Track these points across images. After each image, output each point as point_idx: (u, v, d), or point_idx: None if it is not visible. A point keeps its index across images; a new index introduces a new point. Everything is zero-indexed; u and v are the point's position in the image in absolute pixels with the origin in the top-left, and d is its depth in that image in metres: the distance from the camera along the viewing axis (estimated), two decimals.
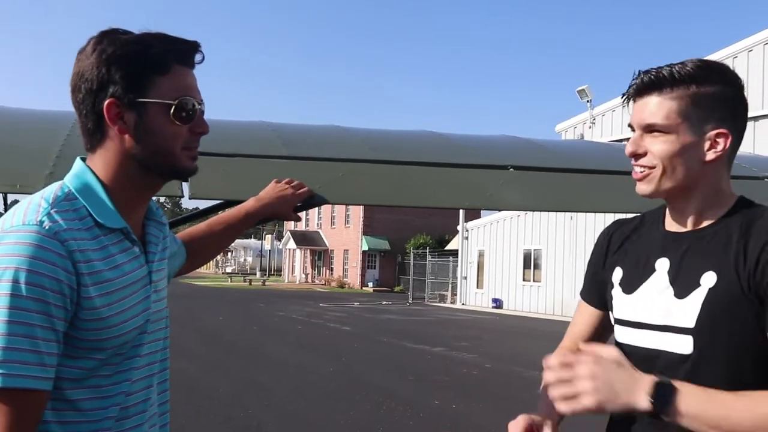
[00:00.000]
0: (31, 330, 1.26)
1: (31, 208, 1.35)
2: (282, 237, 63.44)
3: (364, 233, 50.35)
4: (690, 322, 1.52)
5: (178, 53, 1.44)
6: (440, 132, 3.20)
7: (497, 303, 31.28)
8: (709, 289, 1.51)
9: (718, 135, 1.55)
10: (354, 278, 51.23)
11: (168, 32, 1.45)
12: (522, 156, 2.83)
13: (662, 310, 1.58)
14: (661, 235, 1.68)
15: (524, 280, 30.15)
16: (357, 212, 50.44)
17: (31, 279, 1.26)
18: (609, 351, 1.47)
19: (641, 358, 1.56)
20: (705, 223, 1.61)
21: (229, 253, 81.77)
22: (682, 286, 1.56)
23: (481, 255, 33.41)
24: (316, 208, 40.08)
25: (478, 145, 3.04)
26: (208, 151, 2.25)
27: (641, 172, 1.60)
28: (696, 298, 1.52)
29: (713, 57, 20.22)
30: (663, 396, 1.38)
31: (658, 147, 1.56)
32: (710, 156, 1.55)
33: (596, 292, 1.84)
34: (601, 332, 1.86)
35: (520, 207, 2.66)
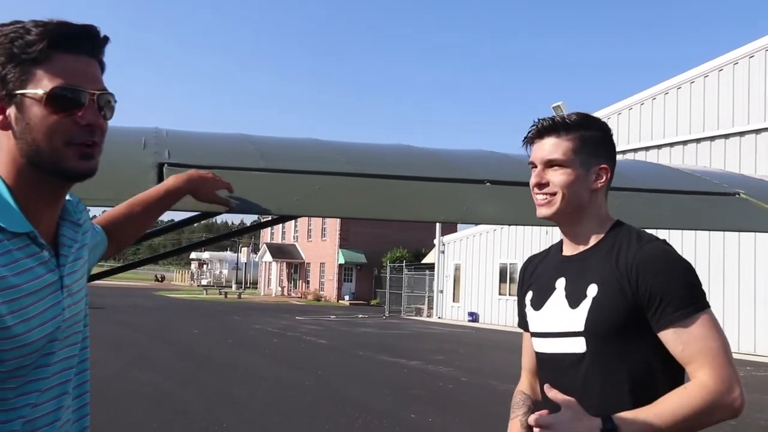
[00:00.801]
0: None
1: None
2: (258, 250, 63.08)
3: (341, 246, 50.23)
4: (580, 326, 1.86)
5: (61, 39, 1.32)
6: (417, 146, 3.22)
7: (473, 317, 31.32)
8: (593, 298, 1.85)
9: (601, 169, 1.95)
10: (330, 291, 51.04)
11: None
12: (498, 170, 2.87)
13: (560, 319, 1.92)
14: (559, 260, 2.04)
15: (500, 293, 30.25)
16: (333, 225, 50.31)
17: None
18: (569, 402, 1.73)
19: (550, 362, 1.95)
20: (591, 244, 1.96)
21: (205, 266, 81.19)
22: (574, 298, 1.90)
23: (457, 269, 33.48)
24: (293, 221, 39.95)
25: (454, 160, 3.07)
26: (185, 163, 2.26)
27: (544, 199, 1.94)
28: (584, 307, 1.86)
29: (713, 64, 20.73)
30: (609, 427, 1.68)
31: (559, 178, 1.91)
32: (596, 185, 1.94)
33: (523, 320, 2.15)
34: None
35: (496, 221, 2.71)
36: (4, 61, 1.31)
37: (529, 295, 2.09)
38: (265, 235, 62.18)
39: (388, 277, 38.10)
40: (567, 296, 1.93)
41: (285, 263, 57.78)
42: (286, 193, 2.30)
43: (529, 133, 1.99)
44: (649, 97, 22.16)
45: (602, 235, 1.95)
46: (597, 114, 23.93)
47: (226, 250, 77.82)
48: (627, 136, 22.38)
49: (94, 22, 1.39)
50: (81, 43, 1.36)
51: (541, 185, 1.93)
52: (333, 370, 14.12)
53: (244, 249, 71.17)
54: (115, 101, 1.42)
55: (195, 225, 2.27)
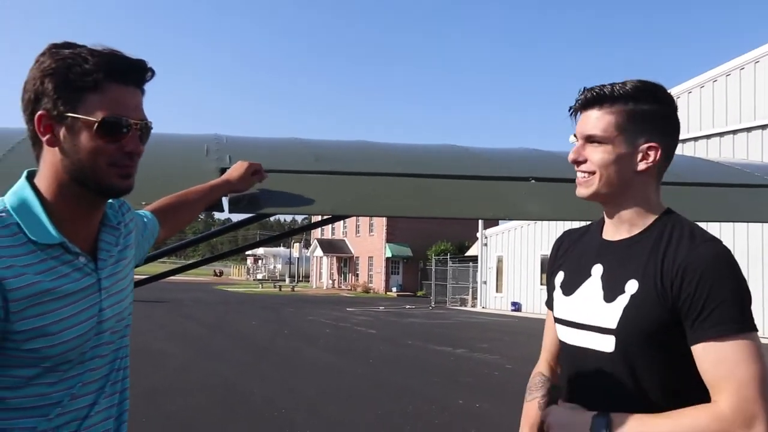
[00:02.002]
0: None
1: None
2: (309, 245, 63.53)
3: (388, 241, 50.30)
4: (613, 324, 1.62)
5: (114, 71, 1.39)
6: (463, 146, 3.19)
7: (516, 306, 31.08)
8: (632, 295, 1.61)
9: (649, 148, 1.66)
10: (378, 284, 51.16)
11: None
12: (542, 168, 2.82)
13: (592, 311, 1.69)
14: (598, 242, 1.78)
15: (542, 284, 29.90)
16: (380, 221, 50.41)
17: None
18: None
19: (575, 354, 1.73)
20: (635, 232, 1.70)
21: (260, 261, 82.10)
22: (610, 291, 1.66)
23: (500, 260, 33.24)
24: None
25: (499, 158, 3.03)
26: None
27: (582, 177, 1.71)
28: (620, 303, 1.62)
29: (720, 69, 20.24)
30: (598, 426, 1.53)
31: (597, 156, 1.67)
32: (641, 166, 1.66)
33: (551, 298, 1.93)
34: None
35: (542, 217, 2.66)
36: (59, 85, 1.37)
37: (560, 276, 1.85)
38: (316, 231, 62.59)
39: (433, 270, 38.04)
40: (603, 287, 1.68)
41: (335, 257, 58.11)
42: (340, 194, 2.31)
43: (575, 102, 1.73)
44: (684, 90, 21.64)
45: (649, 223, 1.68)
46: None
47: (280, 246, 78.54)
48: None
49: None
50: (131, 76, 1.43)
51: (578, 162, 1.71)
52: (384, 358, 14.15)
53: (297, 245, 71.79)
54: (152, 127, 1.49)
55: (249, 224, 2.31)
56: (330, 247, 57.25)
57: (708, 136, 20.85)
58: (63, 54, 1.38)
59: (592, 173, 1.68)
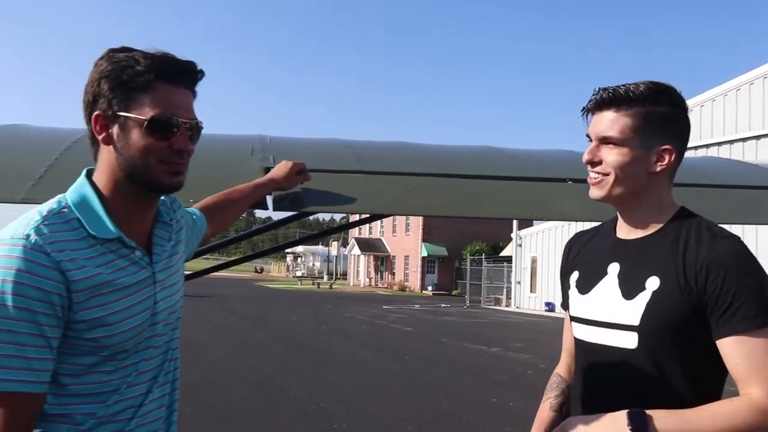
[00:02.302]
0: (17, 337, 1.28)
1: (23, 222, 1.36)
2: (347, 244, 63.75)
3: (424, 240, 50.21)
4: (635, 320, 1.60)
5: (164, 72, 1.42)
6: (500, 147, 3.18)
7: (550, 306, 30.74)
8: (653, 291, 1.60)
9: (664, 150, 1.64)
10: (414, 282, 51.10)
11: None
12: (579, 169, 2.78)
13: (611, 309, 1.66)
14: (612, 241, 1.76)
15: None
16: (417, 221, 50.35)
17: (16, 290, 1.28)
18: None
19: (594, 352, 1.70)
20: (650, 231, 1.68)
21: (299, 259, 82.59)
22: (630, 288, 1.64)
23: (534, 261, 32.94)
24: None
25: (536, 159, 3.02)
26: None
27: (595, 178, 1.68)
28: (641, 300, 1.60)
29: (733, 83, 19.78)
30: (637, 418, 1.46)
31: (612, 157, 1.64)
32: (656, 168, 1.64)
33: (566, 299, 1.91)
34: None
35: (579, 218, 2.62)
36: (113, 86, 1.42)
37: (575, 275, 1.83)
38: (354, 230, 62.78)
39: (468, 269, 37.84)
40: (621, 284, 1.66)
41: (372, 256, 58.21)
42: (381, 194, 2.32)
43: (589, 102, 1.70)
44: (697, 104, 21.19)
45: (664, 222, 1.67)
46: None
47: (318, 245, 78.95)
48: (699, 132, 21.48)
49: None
50: (181, 77, 1.46)
51: (593, 163, 1.67)
52: (419, 355, 14.13)
53: (335, 243, 72.09)
54: (202, 127, 1.52)
55: (290, 223, 2.33)
56: (367, 245, 57.37)
57: (744, 139, 20.38)
58: (118, 57, 1.43)
59: (606, 174, 1.65)
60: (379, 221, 56.45)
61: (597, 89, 1.69)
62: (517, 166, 2.79)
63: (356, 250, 58.50)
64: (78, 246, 1.38)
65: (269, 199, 2.15)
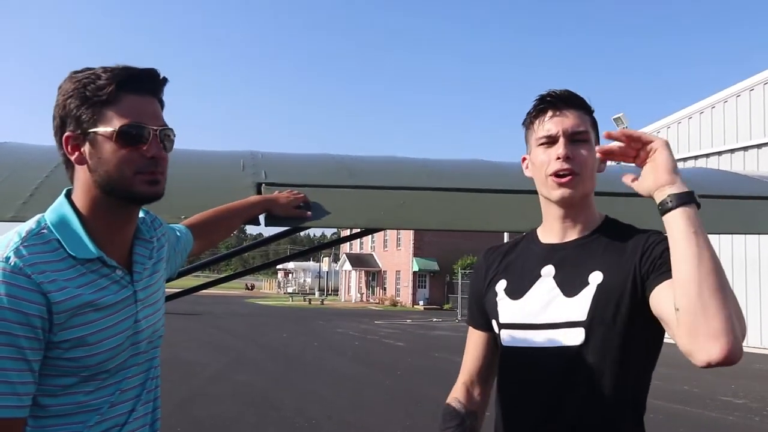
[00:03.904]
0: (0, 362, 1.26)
1: (2, 244, 1.34)
2: (338, 259, 63.65)
3: (415, 255, 50.22)
4: (582, 316, 1.59)
5: (126, 82, 1.41)
6: (491, 160, 3.19)
7: None
8: (598, 285, 1.60)
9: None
10: (406, 297, 51.03)
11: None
12: None
13: (553, 309, 1.64)
14: (540, 247, 1.75)
15: None
16: (408, 235, 50.37)
17: None
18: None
19: (528, 356, 1.66)
20: (586, 232, 1.70)
21: (290, 275, 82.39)
22: (571, 286, 1.63)
23: None
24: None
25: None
26: (281, 182, 2.29)
27: (566, 177, 1.63)
28: (586, 295, 1.60)
29: (730, 90, 19.99)
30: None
31: (584, 155, 1.63)
32: (601, 168, 1.70)
33: (480, 315, 1.87)
34: (491, 357, 1.88)
35: None
36: (78, 104, 1.41)
37: (502, 284, 1.77)
38: (345, 245, 62.71)
39: (459, 283, 37.79)
40: (560, 284, 1.65)
41: (363, 271, 58.14)
42: (374, 208, 2.31)
43: (546, 98, 1.67)
44: (708, 105, 21.37)
45: (598, 224, 1.71)
46: (659, 123, 23.44)
47: (309, 260, 78.79)
48: (687, 144, 21.65)
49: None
50: (144, 85, 1.45)
51: (568, 158, 1.62)
52: (411, 370, 14.08)
53: (326, 259, 71.98)
54: (174, 135, 1.50)
55: (282, 239, 2.32)
56: (358, 261, 57.32)
57: (731, 150, 20.55)
58: (79, 76, 1.42)
59: (577, 174, 1.63)
60: (370, 236, 56.52)
61: (551, 90, 1.69)
62: (508, 179, 2.79)
63: (347, 266, 58.43)
64: (58, 267, 1.36)
65: (261, 216, 2.14)
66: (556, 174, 1.64)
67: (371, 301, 55.99)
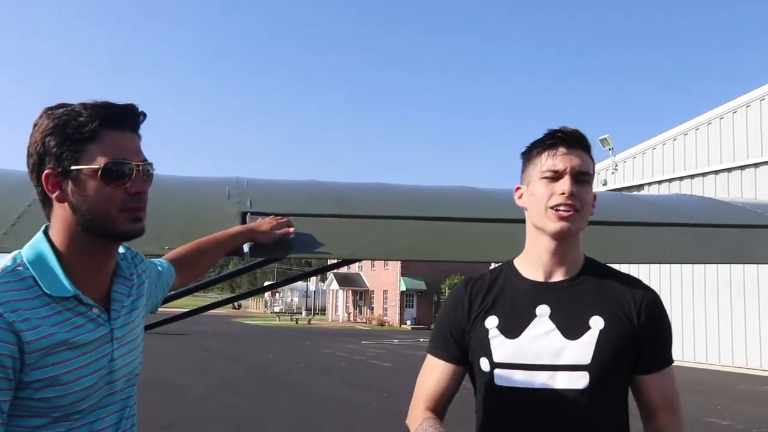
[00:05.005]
0: None
1: None
2: (326, 278, 63.45)
3: (402, 275, 50.18)
4: (586, 360, 1.63)
5: (108, 119, 1.40)
6: (477, 188, 3.20)
7: None
8: (600, 330, 1.65)
9: (594, 197, 1.76)
10: (393, 317, 50.89)
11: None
12: None
13: (552, 350, 1.66)
14: (527, 284, 1.76)
15: None
16: None
17: None
18: None
19: (526, 398, 1.65)
20: (572, 274, 1.74)
21: (277, 294, 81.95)
22: (570, 329, 1.67)
23: None
24: None
25: (512, 199, 3.02)
26: (266, 212, 2.28)
27: (568, 212, 1.68)
28: (589, 339, 1.65)
29: (729, 105, 20.22)
30: None
31: (585, 193, 1.70)
32: (592, 211, 1.75)
33: (455, 346, 1.81)
34: (453, 389, 1.84)
35: None
36: (59, 142, 1.39)
37: (492, 320, 1.73)
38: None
39: None
40: (559, 326, 1.67)
41: (351, 291, 57.99)
42: (358, 238, 2.31)
43: (558, 134, 1.72)
44: (680, 132, 21.61)
45: (582, 264, 1.76)
46: (621, 155, 23.67)
47: (297, 280, 78.37)
48: (672, 165, 21.85)
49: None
50: (125, 121, 1.45)
51: (573, 196, 1.67)
52: (398, 391, 13.97)
53: (313, 278, 71.69)
54: (154, 169, 1.50)
55: (267, 264, 2.30)
56: (346, 280, 57.18)
57: (716, 172, 20.76)
58: (58, 113, 1.41)
59: (577, 210, 1.68)
60: None
61: (563, 127, 1.73)
62: (495, 207, 2.80)
63: (335, 285, 58.28)
64: (32, 305, 1.34)
65: (245, 246, 2.13)
66: (558, 207, 1.68)
67: (359, 320, 55.80)
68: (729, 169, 20.26)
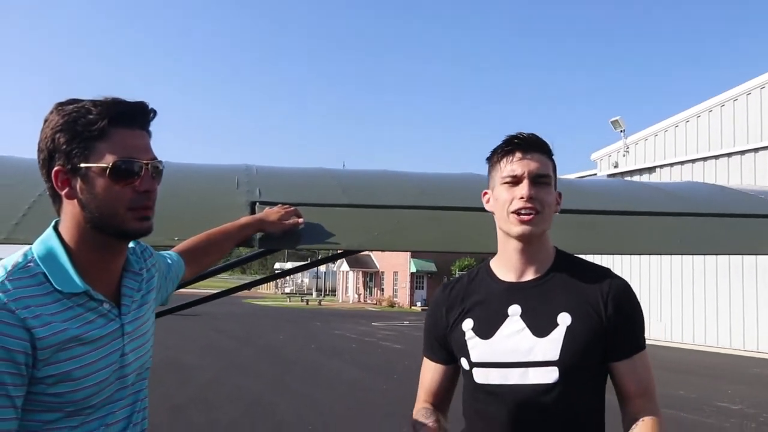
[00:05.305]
0: None
1: None
2: (336, 260, 63.62)
3: (413, 256, 50.16)
4: (554, 355, 1.72)
5: (117, 116, 1.41)
6: (484, 174, 3.17)
7: None
8: (567, 327, 1.74)
9: (559, 195, 1.86)
10: (403, 298, 51.03)
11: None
12: (565, 199, 2.80)
13: (524, 348, 1.75)
14: (502, 286, 1.85)
15: None
16: None
17: None
18: None
19: (503, 394, 1.76)
20: (541, 272, 1.83)
21: (288, 275, 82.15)
22: (539, 326, 1.76)
23: None
24: None
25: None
26: (275, 201, 2.28)
27: (529, 215, 1.76)
28: (557, 335, 1.74)
29: (729, 94, 20.00)
30: None
31: (545, 195, 1.78)
32: (557, 209, 1.84)
33: (440, 349, 1.96)
34: (450, 385, 2.00)
35: (566, 248, 2.63)
36: (68, 139, 1.40)
37: (468, 323, 1.85)
38: None
39: None
40: (529, 324, 1.76)
41: (361, 272, 58.13)
42: (367, 229, 2.30)
43: (514, 140, 1.80)
44: (693, 115, 21.39)
45: (551, 262, 1.85)
46: (632, 137, 23.46)
47: (307, 260, 78.73)
48: (685, 147, 21.66)
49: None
50: (135, 119, 1.45)
51: (532, 199, 1.75)
52: (409, 373, 14.04)
53: None
54: (163, 166, 1.50)
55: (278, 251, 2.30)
56: (356, 262, 57.30)
57: (728, 155, 20.57)
58: (68, 109, 1.41)
59: (538, 212, 1.76)
60: None
61: (519, 133, 1.82)
62: None
63: (345, 266, 58.41)
64: (44, 301, 1.35)
65: (255, 236, 2.13)
66: (518, 212, 1.77)
67: (369, 302, 55.99)
68: (743, 152, 20.07)
